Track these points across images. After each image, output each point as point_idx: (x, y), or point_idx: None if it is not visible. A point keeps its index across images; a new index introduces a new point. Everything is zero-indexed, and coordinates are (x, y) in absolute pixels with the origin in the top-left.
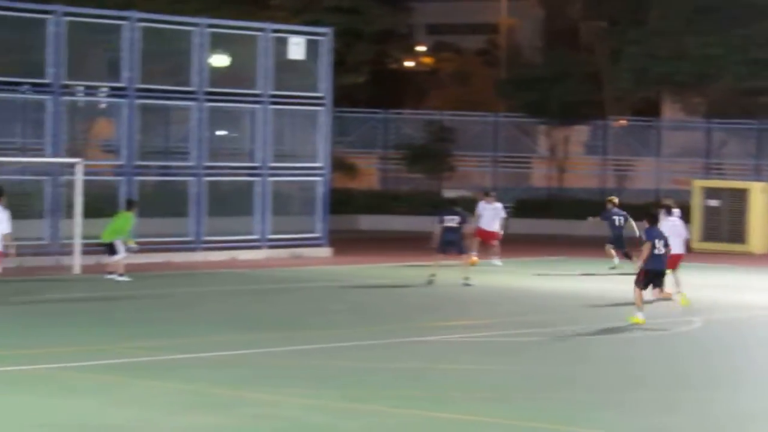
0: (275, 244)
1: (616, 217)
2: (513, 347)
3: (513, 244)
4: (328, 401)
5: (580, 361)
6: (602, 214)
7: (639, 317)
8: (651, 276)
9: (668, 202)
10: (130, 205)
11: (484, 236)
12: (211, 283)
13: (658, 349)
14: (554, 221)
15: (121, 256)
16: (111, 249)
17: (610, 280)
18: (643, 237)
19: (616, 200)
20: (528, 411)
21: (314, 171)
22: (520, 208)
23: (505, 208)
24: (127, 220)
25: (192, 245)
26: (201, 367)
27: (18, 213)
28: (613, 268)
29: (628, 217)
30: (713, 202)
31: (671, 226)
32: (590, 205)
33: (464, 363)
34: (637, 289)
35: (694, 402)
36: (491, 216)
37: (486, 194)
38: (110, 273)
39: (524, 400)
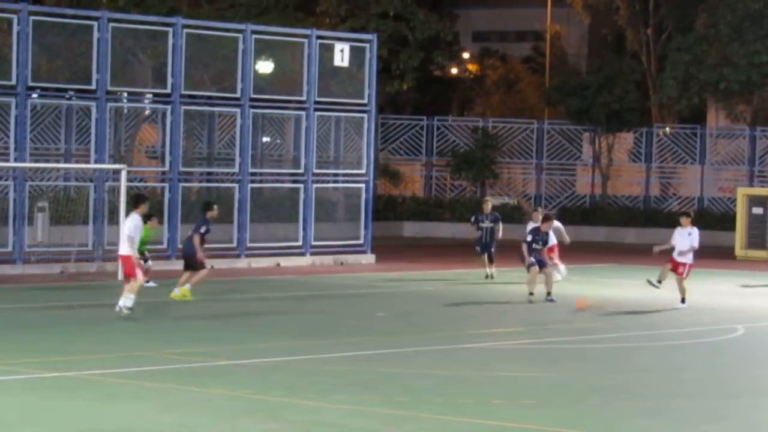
0: (319, 251)
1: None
2: (556, 354)
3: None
4: (373, 408)
5: (624, 368)
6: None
7: None
8: None
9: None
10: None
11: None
12: (255, 290)
13: (701, 356)
14: (598, 228)
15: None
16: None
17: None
18: None
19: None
20: (570, 418)
21: (359, 178)
22: (564, 215)
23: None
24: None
25: (236, 252)
26: (245, 374)
27: (62, 219)
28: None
29: None
30: (758, 210)
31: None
32: (634, 213)
33: (508, 370)
34: None
35: (739, 411)
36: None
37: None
38: (146, 281)
39: (566, 408)
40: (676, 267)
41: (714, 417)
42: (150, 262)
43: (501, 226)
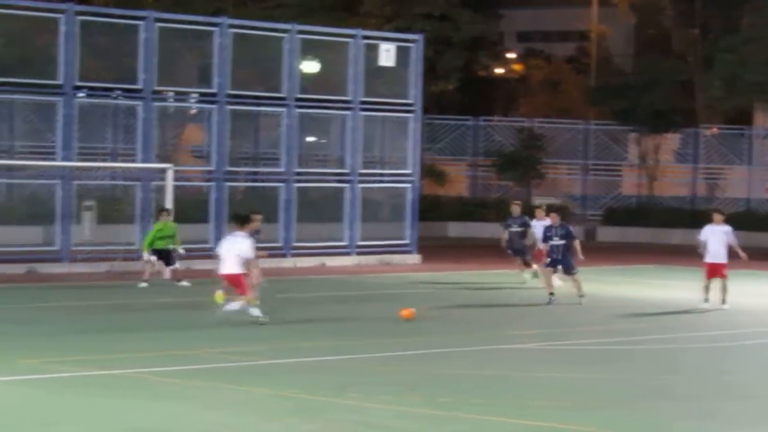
0: (364, 251)
1: None
2: (601, 355)
3: (602, 252)
4: (418, 408)
5: (668, 369)
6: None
7: None
8: None
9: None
10: (158, 213)
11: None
12: (300, 290)
13: (746, 358)
14: (644, 229)
15: (177, 266)
16: (168, 257)
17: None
18: None
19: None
20: (613, 420)
21: (404, 178)
22: (610, 216)
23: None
24: (152, 230)
25: (281, 251)
26: (290, 373)
27: (108, 218)
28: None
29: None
30: None
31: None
32: (680, 214)
33: (551, 371)
34: None
35: None
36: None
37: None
38: (179, 280)
39: (610, 410)
40: (716, 270)
41: (763, 418)
42: (177, 264)
43: (531, 230)
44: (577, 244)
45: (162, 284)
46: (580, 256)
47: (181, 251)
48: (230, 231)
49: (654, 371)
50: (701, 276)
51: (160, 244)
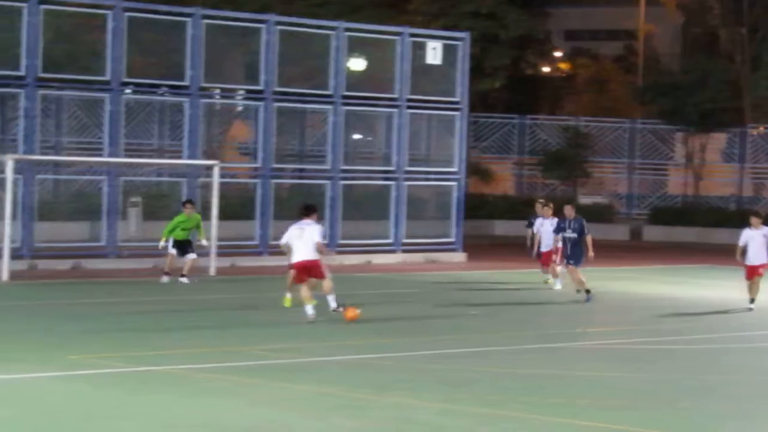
0: (410, 249)
1: None
2: (646, 355)
3: (647, 251)
4: (463, 406)
5: (713, 369)
6: None
7: None
8: None
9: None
10: (183, 205)
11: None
12: (346, 287)
13: None
14: (690, 229)
15: (192, 257)
16: (182, 249)
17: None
18: None
19: None
20: (658, 420)
21: (450, 176)
22: (656, 215)
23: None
24: (174, 220)
25: (327, 249)
26: (335, 371)
27: (154, 214)
28: None
29: None
30: None
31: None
32: (726, 213)
33: (597, 370)
34: None
35: None
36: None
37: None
38: (182, 276)
39: (655, 409)
40: (754, 272)
41: None
42: (194, 255)
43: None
44: (589, 239)
45: (207, 280)
46: (591, 252)
47: (204, 243)
48: (277, 228)
49: (701, 371)
50: (743, 278)
51: (181, 235)
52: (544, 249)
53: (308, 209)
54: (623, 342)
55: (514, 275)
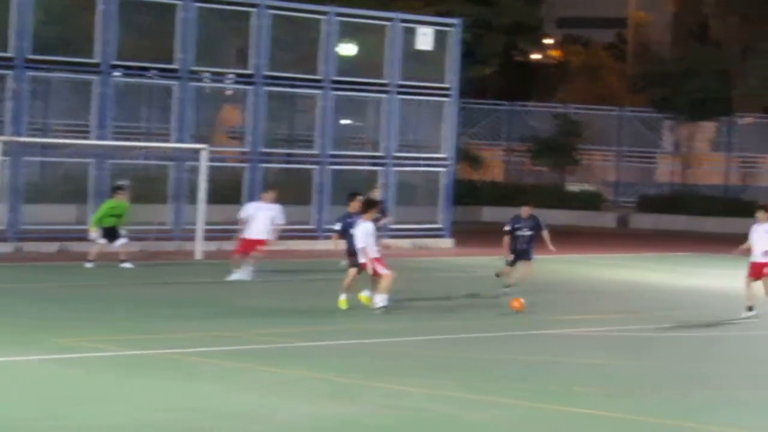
0: (398, 234)
1: None
2: (637, 342)
3: (635, 239)
4: (453, 392)
5: (705, 357)
6: None
7: None
8: None
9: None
10: (113, 191)
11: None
12: (335, 272)
13: None
14: (677, 217)
15: (124, 241)
16: (111, 235)
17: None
18: None
19: None
20: (651, 407)
21: (439, 162)
22: (643, 203)
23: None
24: (103, 207)
25: (314, 233)
26: (327, 356)
27: (142, 198)
28: None
29: None
30: None
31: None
32: (714, 202)
33: (588, 357)
34: None
35: None
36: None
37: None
38: (122, 261)
39: (647, 396)
40: (759, 270)
41: None
42: (125, 240)
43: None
44: (545, 234)
45: (196, 264)
46: (551, 246)
47: (123, 232)
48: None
49: (690, 358)
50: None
51: (108, 222)
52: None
53: (366, 204)
54: (616, 329)
55: (502, 262)
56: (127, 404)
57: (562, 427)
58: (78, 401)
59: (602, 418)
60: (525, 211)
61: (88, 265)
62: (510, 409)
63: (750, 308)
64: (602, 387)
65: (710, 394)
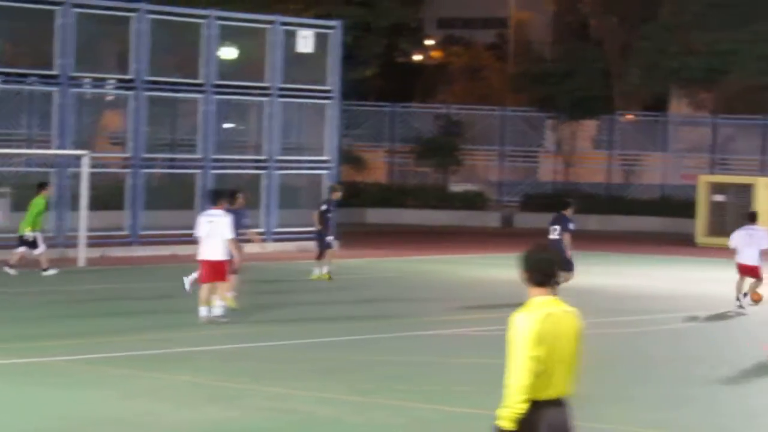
0: (282, 237)
1: None
2: None
3: (519, 238)
4: (338, 394)
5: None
6: None
7: None
8: None
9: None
10: (39, 187)
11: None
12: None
13: (663, 342)
14: None
15: (42, 249)
16: (30, 243)
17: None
18: None
19: None
20: None
21: (322, 164)
22: (527, 202)
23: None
24: (35, 205)
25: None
26: (209, 360)
27: (23, 205)
28: None
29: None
30: (719, 198)
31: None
32: (597, 200)
33: (473, 357)
34: None
35: (702, 396)
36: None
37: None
38: (45, 270)
39: None
40: (749, 271)
41: (677, 404)
42: (43, 247)
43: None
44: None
45: (76, 271)
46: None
47: (28, 233)
48: (146, 217)
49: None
50: (630, 261)
51: (39, 222)
52: None
53: (231, 194)
54: (501, 329)
55: (388, 263)
56: (5, 415)
57: (442, 426)
58: None
59: (487, 417)
60: (335, 196)
61: (12, 271)
62: (394, 410)
63: (738, 299)
64: (486, 385)
65: (593, 391)
